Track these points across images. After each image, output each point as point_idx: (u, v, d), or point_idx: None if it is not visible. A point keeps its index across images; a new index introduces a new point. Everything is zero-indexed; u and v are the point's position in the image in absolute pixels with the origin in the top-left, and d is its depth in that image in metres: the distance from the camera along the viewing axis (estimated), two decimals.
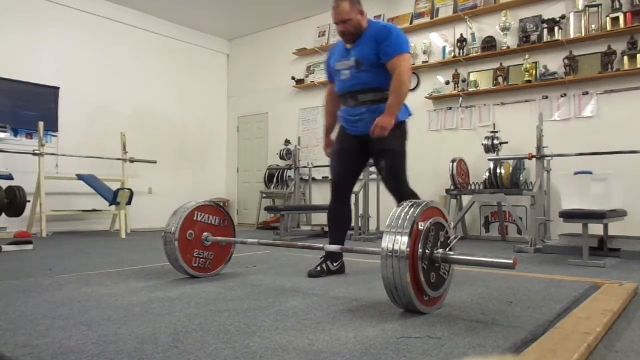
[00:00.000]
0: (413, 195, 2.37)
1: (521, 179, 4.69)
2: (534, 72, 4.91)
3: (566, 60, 4.72)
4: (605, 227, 3.51)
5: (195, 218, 2.37)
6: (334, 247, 2.12)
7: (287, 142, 6.60)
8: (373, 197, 5.30)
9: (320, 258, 2.54)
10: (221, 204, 2.58)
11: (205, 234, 2.41)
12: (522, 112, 5.02)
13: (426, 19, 5.72)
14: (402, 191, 2.38)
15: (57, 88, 5.79)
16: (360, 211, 5.10)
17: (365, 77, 2.37)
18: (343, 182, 2.55)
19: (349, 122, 2.48)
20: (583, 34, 4.65)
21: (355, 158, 2.53)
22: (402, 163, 2.43)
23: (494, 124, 5.12)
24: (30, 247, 3.80)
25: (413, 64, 5.75)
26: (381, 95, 2.36)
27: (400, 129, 2.40)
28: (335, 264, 2.51)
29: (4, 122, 5.34)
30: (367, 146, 2.44)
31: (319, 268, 2.47)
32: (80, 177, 5.40)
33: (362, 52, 2.38)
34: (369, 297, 1.95)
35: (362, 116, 2.40)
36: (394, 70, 2.29)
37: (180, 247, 2.29)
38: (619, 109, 4.49)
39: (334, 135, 2.65)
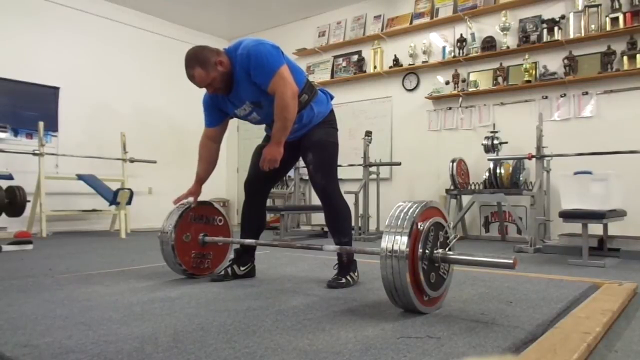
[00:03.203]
0: (343, 203, 2.25)
1: (521, 179, 4.69)
2: (533, 72, 4.91)
3: (566, 61, 4.72)
4: (605, 227, 3.51)
5: (190, 219, 2.36)
6: (333, 248, 2.10)
7: None
8: (373, 197, 5.30)
9: (229, 261, 2.42)
10: (221, 204, 2.57)
11: (202, 234, 2.40)
12: (522, 112, 5.02)
13: (426, 19, 5.72)
14: (329, 191, 2.22)
15: (57, 88, 5.79)
16: (360, 211, 5.11)
17: (273, 108, 2.10)
18: (257, 181, 2.36)
19: None
20: (583, 34, 4.65)
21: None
22: (331, 156, 2.27)
23: (494, 124, 5.12)
24: (30, 247, 3.80)
25: (413, 64, 5.77)
26: (300, 104, 2.15)
27: (327, 122, 2.27)
28: (242, 268, 2.35)
29: (4, 122, 5.34)
30: (297, 147, 2.28)
31: (223, 272, 2.34)
32: (80, 177, 5.39)
33: (248, 93, 2.13)
34: (369, 297, 1.95)
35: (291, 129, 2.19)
36: (274, 94, 2.05)
37: (178, 249, 2.28)
38: (618, 109, 4.49)
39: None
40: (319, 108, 2.26)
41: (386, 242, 1.57)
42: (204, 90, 2.25)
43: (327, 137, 2.27)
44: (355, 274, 2.26)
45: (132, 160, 5.81)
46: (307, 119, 2.23)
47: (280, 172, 2.45)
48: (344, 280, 2.18)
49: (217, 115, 2.34)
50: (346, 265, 2.24)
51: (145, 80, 6.70)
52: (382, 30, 6.10)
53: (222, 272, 2.35)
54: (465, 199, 4.93)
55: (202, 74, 2.08)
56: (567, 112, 4.78)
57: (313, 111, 2.24)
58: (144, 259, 3.26)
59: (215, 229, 2.46)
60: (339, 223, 2.27)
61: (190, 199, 2.38)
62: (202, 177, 2.42)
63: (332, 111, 2.34)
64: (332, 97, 2.37)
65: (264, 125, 2.41)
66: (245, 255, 2.39)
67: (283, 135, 2.11)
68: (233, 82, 2.13)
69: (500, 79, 5.12)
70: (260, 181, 2.38)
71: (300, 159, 2.37)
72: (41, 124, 5.08)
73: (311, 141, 2.24)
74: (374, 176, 5.34)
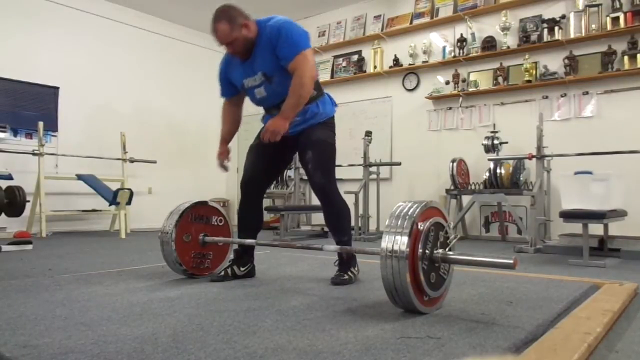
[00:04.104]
0: (342, 203, 2.28)
1: (521, 179, 4.69)
2: (534, 72, 4.91)
3: (566, 60, 4.72)
4: (606, 227, 3.51)
5: (190, 219, 2.36)
6: (333, 248, 2.11)
7: None
8: (373, 197, 5.30)
9: (229, 261, 2.41)
10: (221, 204, 2.57)
11: (202, 234, 2.40)
12: (522, 112, 5.02)
13: (426, 19, 5.72)
14: (328, 191, 2.24)
15: (57, 88, 5.78)
16: (360, 211, 5.10)
17: (283, 88, 2.12)
18: (253, 181, 2.37)
19: None
20: (583, 34, 4.65)
21: (273, 157, 2.34)
22: (330, 156, 2.29)
23: (494, 124, 5.12)
24: (30, 247, 3.80)
25: (413, 64, 5.77)
26: None
27: (328, 125, 2.30)
28: (242, 269, 2.35)
29: (4, 122, 5.34)
30: (294, 145, 2.30)
31: (223, 272, 2.34)
32: (80, 177, 5.39)
33: (265, 64, 2.15)
34: (369, 297, 1.95)
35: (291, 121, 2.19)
36: (294, 71, 2.07)
37: (178, 250, 2.28)
38: (619, 109, 4.49)
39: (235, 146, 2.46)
40: (324, 108, 2.30)
41: (386, 242, 1.57)
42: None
43: (326, 138, 2.29)
44: (356, 268, 2.32)
45: (132, 160, 5.81)
46: (310, 115, 2.25)
47: (280, 169, 2.50)
48: (346, 276, 2.24)
49: (230, 88, 2.40)
50: (346, 261, 2.29)
51: (145, 80, 6.70)
52: (382, 30, 6.10)
53: (222, 273, 2.35)
54: (466, 199, 4.93)
55: (225, 30, 2.12)
56: (568, 112, 4.77)
57: (318, 108, 2.27)
58: (143, 259, 3.26)
59: (215, 229, 2.46)
60: (339, 222, 2.30)
61: (227, 163, 2.48)
62: (226, 138, 2.49)
63: (333, 116, 2.37)
64: (335, 105, 2.41)
65: (263, 126, 2.42)
66: (245, 255, 2.39)
67: (292, 112, 2.13)
68: (253, 50, 2.17)
69: (500, 79, 5.12)
70: (257, 180, 2.39)
71: (297, 158, 2.38)
72: (41, 124, 5.08)
73: (310, 140, 2.26)
74: (374, 176, 5.34)
